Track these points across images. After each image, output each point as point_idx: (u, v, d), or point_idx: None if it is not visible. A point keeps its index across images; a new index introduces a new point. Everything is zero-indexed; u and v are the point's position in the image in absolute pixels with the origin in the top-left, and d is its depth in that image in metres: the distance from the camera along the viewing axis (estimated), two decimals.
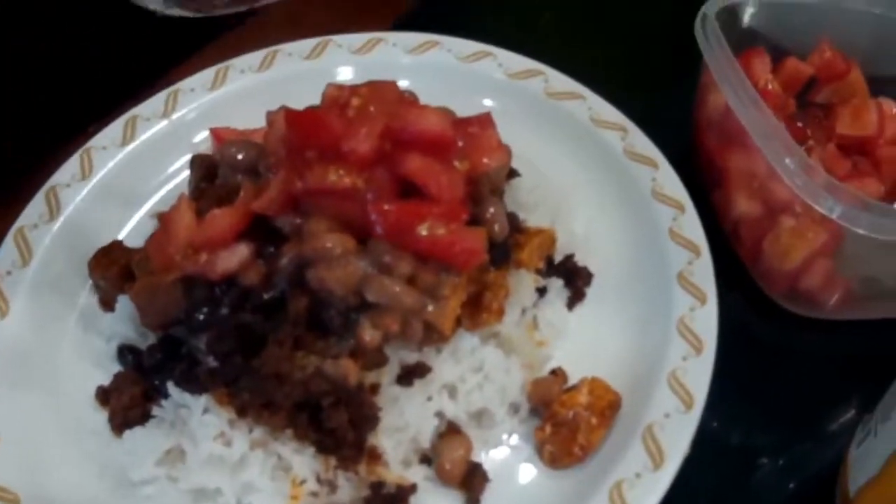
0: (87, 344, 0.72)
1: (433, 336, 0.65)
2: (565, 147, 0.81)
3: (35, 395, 0.69)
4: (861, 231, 0.65)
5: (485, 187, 0.66)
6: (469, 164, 0.64)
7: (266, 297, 0.64)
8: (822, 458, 0.72)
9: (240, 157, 0.67)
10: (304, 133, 0.63)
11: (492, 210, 0.66)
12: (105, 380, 0.70)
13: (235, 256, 0.64)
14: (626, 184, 0.78)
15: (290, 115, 0.64)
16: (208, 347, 0.62)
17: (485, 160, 0.65)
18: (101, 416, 0.69)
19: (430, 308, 0.63)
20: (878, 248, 0.70)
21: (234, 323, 0.63)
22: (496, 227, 0.66)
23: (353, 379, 0.62)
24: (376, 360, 0.63)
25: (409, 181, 0.63)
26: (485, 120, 0.66)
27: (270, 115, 0.68)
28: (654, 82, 0.97)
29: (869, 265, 0.74)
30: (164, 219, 0.66)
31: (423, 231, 0.62)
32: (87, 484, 0.66)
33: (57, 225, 0.75)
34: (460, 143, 0.64)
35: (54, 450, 0.67)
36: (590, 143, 0.80)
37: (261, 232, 0.66)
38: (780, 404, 0.75)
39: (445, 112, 0.67)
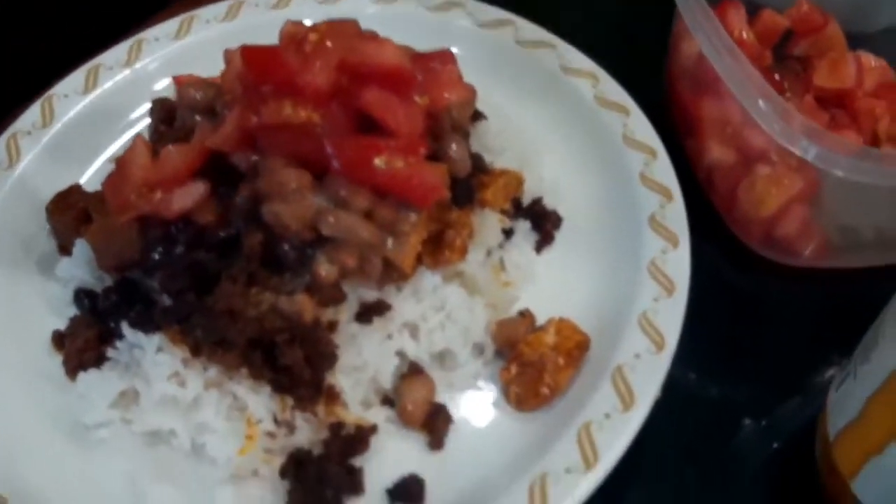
0: (44, 290, 0.71)
1: (393, 274, 0.64)
2: (535, 95, 0.80)
3: None
4: (838, 173, 0.63)
5: (446, 123, 0.65)
6: (429, 99, 0.63)
7: (222, 235, 0.62)
8: (801, 406, 0.71)
9: (197, 96, 0.66)
10: (260, 68, 0.62)
11: (453, 146, 0.65)
12: (62, 325, 0.68)
13: (191, 194, 0.62)
14: (597, 130, 0.76)
15: (245, 50, 0.63)
16: (161, 285, 0.61)
17: (445, 95, 0.63)
18: (56, 362, 0.68)
19: (390, 244, 0.62)
20: (855, 194, 0.69)
21: (188, 261, 0.62)
22: (457, 164, 0.65)
23: (308, 315, 0.60)
24: (333, 296, 0.62)
25: (366, 116, 0.62)
26: (445, 55, 0.65)
27: (228, 54, 0.67)
28: (628, 32, 0.95)
29: (846, 213, 0.73)
30: (120, 160, 0.65)
31: (380, 164, 0.60)
32: (40, 429, 0.65)
33: (16, 172, 0.74)
34: (420, 78, 0.63)
35: (8, 395, 0.66)
36: (560, 92, 0.79)
37: (217, 173, 0.64)
38: (756, 352, 0.73)
39: (405, 48, 0.65)
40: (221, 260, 0.62)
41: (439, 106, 0.64)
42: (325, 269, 0.60)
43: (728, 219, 0.77)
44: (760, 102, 0.66)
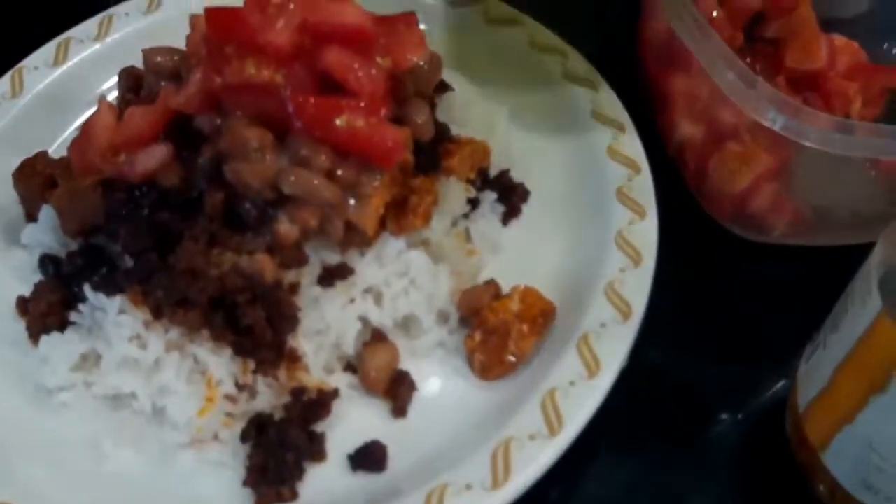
0: (9, 257, 0.70)
1: (356, 238, 0.64)
2: (503, 71, 0.80)
3: None
4: (808, 143, 0.63)
5: (409, 86, 0.65)
6: (391, 61, 0.63)
7: (185, 196, 0.62)
8: (770, 380, 0.70)
9: (163, 62, 0.66)
10: (223, 28, 0.62)
11: (416, 110, 0.65)
12: (26, 291, 0.68)
13: (154, 156, 0.62)
14: (565, 105, 0.76)
15: (209, 11, 0.63)
16: (123, 245, 0.61)
17: (409, 56, 0.63)
18: (19, 327, 0.67)
19: (352, 206, 0.62)
20: (825, 171, 0.68)
21: (150, 221, 0.61)
22: (421, 128, 0.65)
23: (269, 275, 0.60)
24: (295, 257, 0.62)
25: (329, 78, 0.62)
26: (409, 18, 0.65)
27: (193, 19, 0.67)
28: (598, 8, 0.94)
29: (816, 191, 0.72)
30: (85, 124, 0.65)
31: (341, 124, 0.60)
32: (1, 393, 0.65)
33: None
34: (383, 41, 0.63)
35: None
36: (529, 68, 0.79)
37: (181, 136, 0.64)
38: (726, 327, 0.73)
39: (367, 11, 0.65)
40: (184, 221, 0.62)
41: (402, 68, 0.64)
42: (285, 227, 0.60)
43: (699, 195, 0.76)
44: (729, 75, 0.66)
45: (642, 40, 0.83)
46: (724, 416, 0.69)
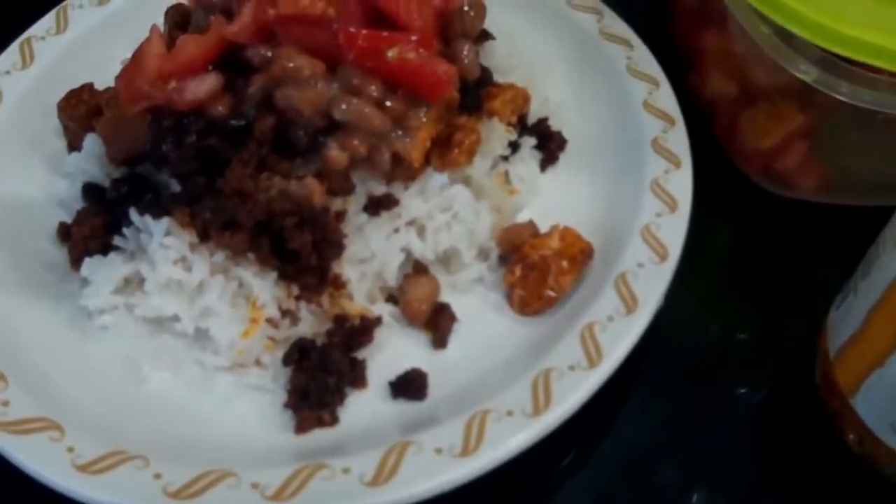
0: (51, 187, 0.71)
1: (401, 170, 0.64)
2: (541, 26, 0.81)
3: None
4: (839, 97, 0.64)
5: (457, 26, 0.66)
6: (440, 0, 0.64)
7: (233, 124, 0.62)
8: (799, 329, 0.70)
9: None
10: None
11: (464, 49, 0.66)
12: (68, 218, 0.68)
13: (205, 84, 0.63)
14: (601, 61, 0.78)
15: None
16: (172, 167, 0.61)
17: None
18: (59, 254, 0.68)
19: (400, 138, 0.63)
20: (854, 129, 0.69)
21: (199, 146, 0.62)
22: (467, 67, 0.66)
23: (317, 199, 0.61)
24: (342, 185, 0.63)
25: (380, 14, 0.63)
26: None
27: None
28: None
29: (845, 152, 0.73)
30: (135, 52, 0.65)
31: (392, 55, 0.61)
32: (43, 316, 0.65)
33: (29, 73, 0.75)
34: None
35: (10, 284, 0.66)
36: (565, 25, 0.81)
37: (231, 68, 0.65)
38: (756, 279, 0.74)
39: None
40: (232, 147, 0.62)
41: (451, 7, 0.65)
42: (335, 153, 0.61)
43: (729, 150, 0.78)
44: (764, 28, 0.67)
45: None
46: (752, 366, 0.69)
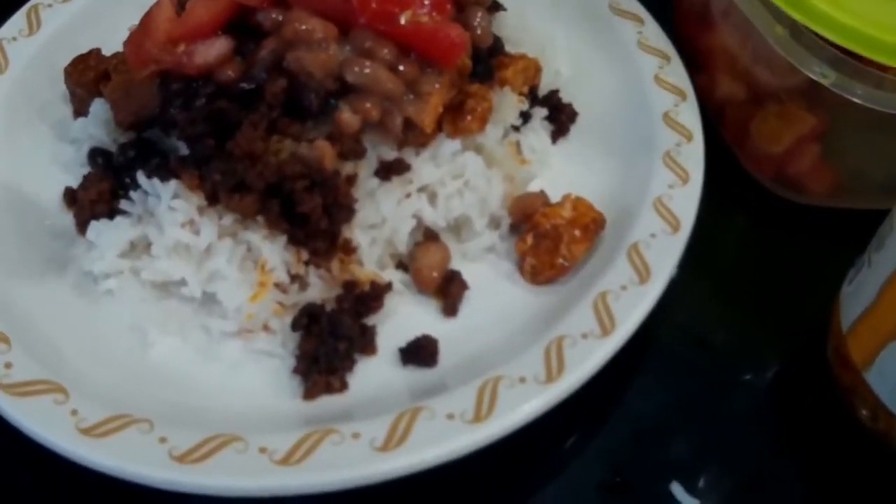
0: (57, 152, 0.70)
1: (413, 135, 0.64)
2: (551, 3, 0.80)
3: None
4: (855, 99, 0.63)
5: None
6: None
7: (244, 87, 0.62)
8: (809, 309, 0.70)
9: None
10: None
11: (477, 16, 0.65)
12: (74, 184, 0.67)
13: (215, 47, 0.62)
14: (612, 35, 0.77)
15: None
16: (181, 130, 0.61)
17: None
18: (65, 220, 0.67)
19: (412, 103, 0.62)
20: (865, 131, 0.68)
21: (208, 109, 0.61)
22: (480, 34, 0.65)
23: (328, 162, 0.60)
24: (354, 148, 0.62)
25: None
26: None
27: None
28: None
29: (856, 155, 0.72)
30: (144, 16, 0.64)
31: (405, 19, 0.61)
32: (46, 282, 0.64)
33: (36, 39, 0.74)
34: None
35: (15, 249, 0.65)
36: (575, 2, 0.80)
37: (241, 31, 0.64)
38: (769, 264, 0.73)
39: None
40: (242, 110, 0.61)
41: None
42: (347, 116, 0.60)
43: (740, 154, 0.76)
44: (778, 28, 0.66)
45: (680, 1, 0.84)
46: (765, 342, 0.69)
